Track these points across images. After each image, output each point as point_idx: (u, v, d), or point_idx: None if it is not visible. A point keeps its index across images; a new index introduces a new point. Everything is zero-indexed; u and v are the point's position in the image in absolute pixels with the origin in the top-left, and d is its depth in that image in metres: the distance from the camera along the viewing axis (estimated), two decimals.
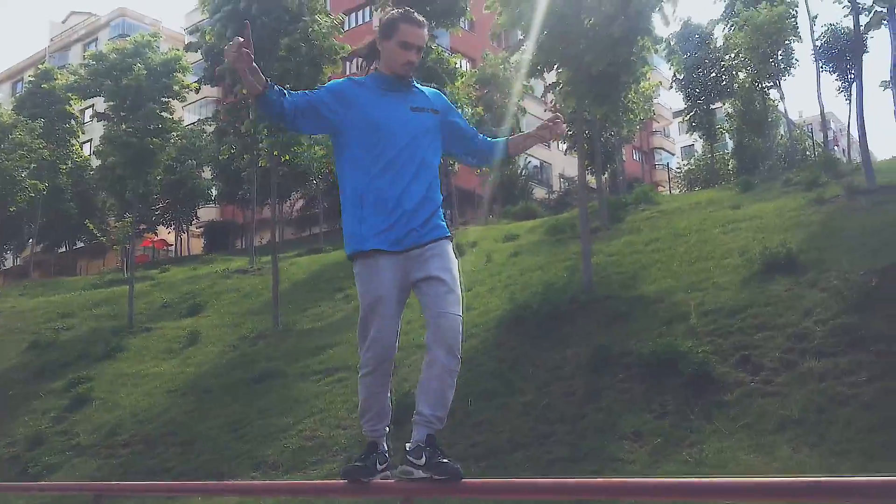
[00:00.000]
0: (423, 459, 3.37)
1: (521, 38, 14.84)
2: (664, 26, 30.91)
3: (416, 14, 3.56)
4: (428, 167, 3.54)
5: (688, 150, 73.12)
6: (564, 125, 3.71)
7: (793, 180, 19.85)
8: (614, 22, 13.50)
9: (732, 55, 31.59)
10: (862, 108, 15.78)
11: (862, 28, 13.37)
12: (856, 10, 15.66)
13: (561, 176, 55.71)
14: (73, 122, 33.96)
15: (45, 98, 33.48)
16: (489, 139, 3.84)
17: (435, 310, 3.42)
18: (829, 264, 12.02)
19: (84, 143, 44.55)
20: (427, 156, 3.55)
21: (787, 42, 27.30)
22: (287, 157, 19.30)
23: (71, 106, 33.70)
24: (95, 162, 40.95)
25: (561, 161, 56.76)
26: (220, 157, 30.00)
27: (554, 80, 16.34)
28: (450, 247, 3.59)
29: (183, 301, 22.34)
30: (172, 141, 22.47)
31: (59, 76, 34.12)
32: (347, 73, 25.51)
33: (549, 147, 55.87)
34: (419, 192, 3.48)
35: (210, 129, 47.99)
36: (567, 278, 15.49)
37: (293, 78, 17.92)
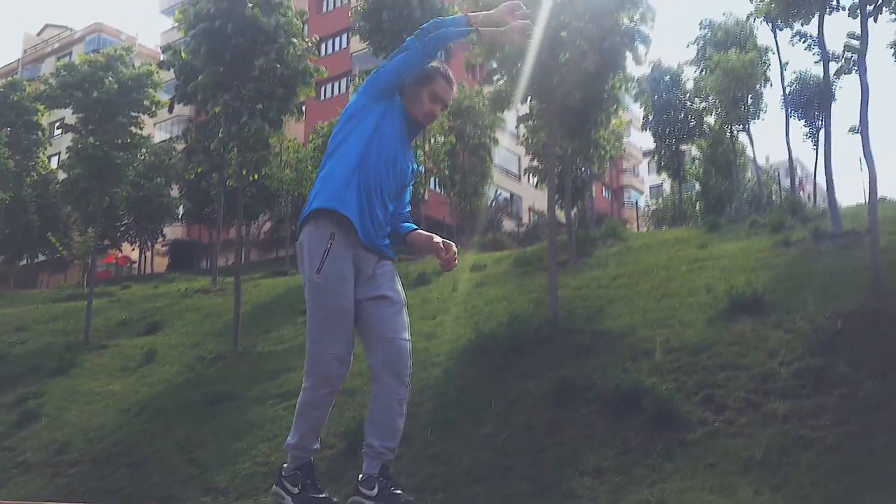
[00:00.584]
0: (376, 490, 3.43)
1: (495, 68, 14.84)
2: (636, 66, 31.32)
3: (450, 72, 3.63)
4: (392, 206, 3.61)
5: (656, 190, 74.11)
6: (455, 262, 3.71)
7: (759, 222, 20.03)
8: (587, 57, 13.55)
9: (701, 98, 32.03)
10: (829, 154, 15.93)
11: (832, 75, 13.54)
12: (825, 59, 15.87)
13: (530, 209, 56.02)
14: (39, 133, 33.46)
15: (13, 108, 32.95)
16: (405, 222, 3.81)
17: (384, 333, 3.39)
18: (794, 306, 12.03)
19: (52, 155, 43.92)
20: (396, 200, 3.64)
21: (756, 87, 27.77)
22: (255, 177, 19.07)
23: (39, 116, 33.22)
24: (62, 175, 40.52)
25: (531, 194, 57.03)
26: (187, 176, 29.59)
27: (525, 112, 16.40)
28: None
29: (141, 319, 21.88)
30: (140, 156, 22.09)
31: (28, 87, 33.63)
32: (322, 97, 25.35)
33: (518, 180, 56.33)
34: (385, 217, 3.53)
35: (180, 147, 47.72)
36: (532, 310, 15.41)
37: (266, 98, 17.78)
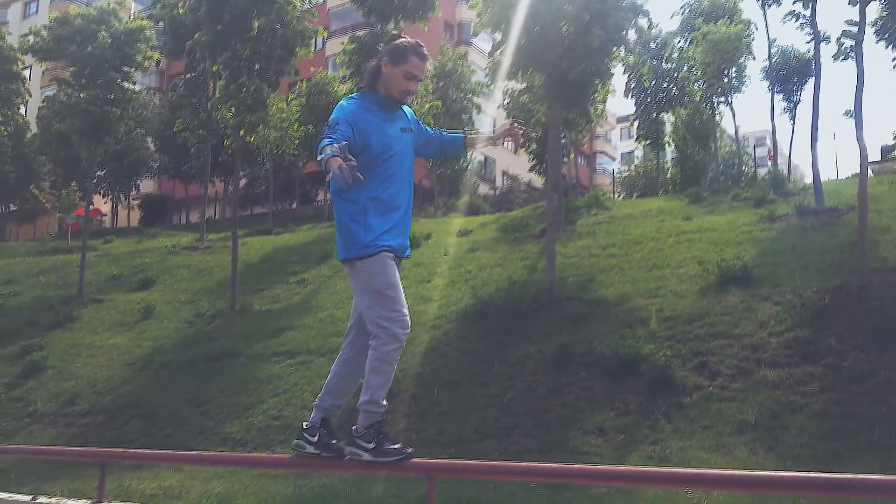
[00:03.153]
0: (316, 438, 3.79)
1: (499, 38, 15.12)
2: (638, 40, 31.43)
3: (424, 48, 3.87)
4: (411, 178, 3.96)
5: (626, 156, 74.75)
6: (521, 131, 4.15)
7: (742, 195, 20.63)
8: (592, 32, 13.91)
9: (686, 68, 32.45)
10: (816, 133, 16.51)
11: (832, 58, 14.03)
12: (817, 39, 16.39)
13: (504, 173, 56.33)
14: (19, 83, 32.94)
15: None
16: (449, 135, 4.27)
17: None
18: (781, 280, 12.67)
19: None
20: (411, 169, 3.97)
21: (741, 60, 28.22)
22: (251, 138, 19.24)
23: (17, 66, 32.68)
24: (34, 127, 39.94)
25: (506, 158, 57.37)
26: (176, 129, 29.44)
27: (522, 85, 16.69)
28: None
29: (133, 274, 22.06)
30: (130, 111, 22.05)
31: (4, 34, 33.02)
32: (318, 54, 25.11)
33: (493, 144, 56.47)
34: (408, 199, 3.91)
35: (156, 99, 47.18)
36: (526, 277, 15.93)
37: (264, 59, 17.91)
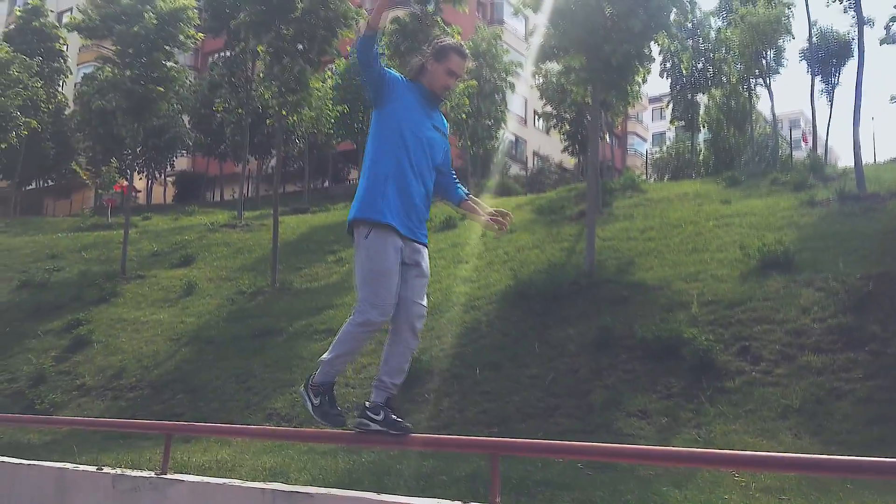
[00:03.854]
0: (381, 416, 4.01)
1: (538, 18, 15.13)
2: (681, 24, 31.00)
3: (464, 48, 4.22)
4: (431, 179, 4.16)
5: (658, 138, 74.26)
6: (506, 225, 4.37)
7: (780, 179, 20.53)
8: (634, 15, 13.89)
9: (724, 49, 32.16)
10: (858, 118, 16.41)
11: (878, 41, 13.92)
12: (861, 23, 16.24)
13: (535, 153, 56.23)
14: (61, 60, 33.46)
15: (35, 34, 32.70)
16: (457, 185, 4.42)
17: (412, 296, 4.05)
18: (823, 266, 12.66)
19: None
20: (432, 170, 4.16)
21: (780, 42, 27.98)
22: (294, 118, 19.45)
23: (60, 44, 33.16)
24: (71, 104, 40.34)
25: (536, 138, 57.28)
26: (216, 108, 29.76)
27: (557, 66, 16.64)
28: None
29: (173, 251, 22.45)
30: (176, 90, 22.35)
31: (46, 12, 33.43)
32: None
33: (524, 124, 56.33)
34: (425, 194, 4.11)
35: (192, 77, 47.54)
36: (564, 259, 16.03)
37: (307, 39, 18.05)
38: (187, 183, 50.75)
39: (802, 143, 63.75)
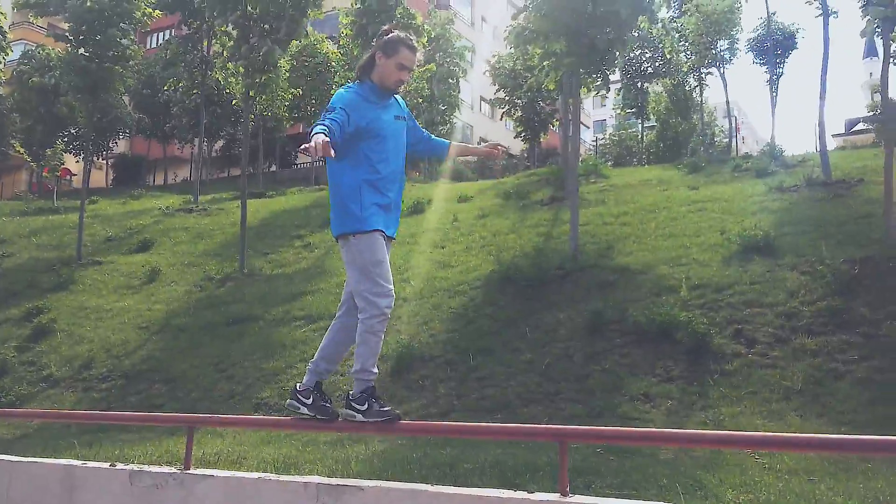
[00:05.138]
0: (311, 400, 4.25)
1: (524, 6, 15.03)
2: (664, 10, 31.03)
3: (413, 40, 4.28)
4: (403, 163, 4.32)
5: (598, 125, 75.23)
6: (504, 150, 4.73)
7: (742, 166, 20.91)
8: (621, 0, 13.89)
9: (677, 37, 32.61)
10: (823, 106, 16.78)
11: (863, 34, 14.21)
12: (826, 14, 16.58)
13: (481, 139, 56.29)
14: (1, 37, 31.91)
15: None
16: (436, 139, 4.70)
17: None
18: (802, 250, 12.92)
19: None
20: (403, 155, 4.33)
21: (733, 32, 28.45)
22: (262, 99, 18.95)
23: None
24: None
25: (484, 125, 57.36)
26: (165, 88, 28.86)
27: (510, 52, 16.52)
28: None
29: (128, 236, 21.76)
30: (133, 69, 21.57)
31: None
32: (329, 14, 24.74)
33: (472, 109, 56.36)
34: (400, 183, 4.29)
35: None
36: (542, 244, 16.03)
37: (273, 18, 17.60)
38: (127, 166, 49.29)
39: (736, 132, 65.50)
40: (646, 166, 28.64)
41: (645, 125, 40.23)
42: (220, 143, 45.98)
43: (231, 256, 18.78)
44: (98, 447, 9.96)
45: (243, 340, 13.87)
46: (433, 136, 4.69)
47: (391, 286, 4.11)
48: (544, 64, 14.89)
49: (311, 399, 4.25)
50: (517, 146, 52.86)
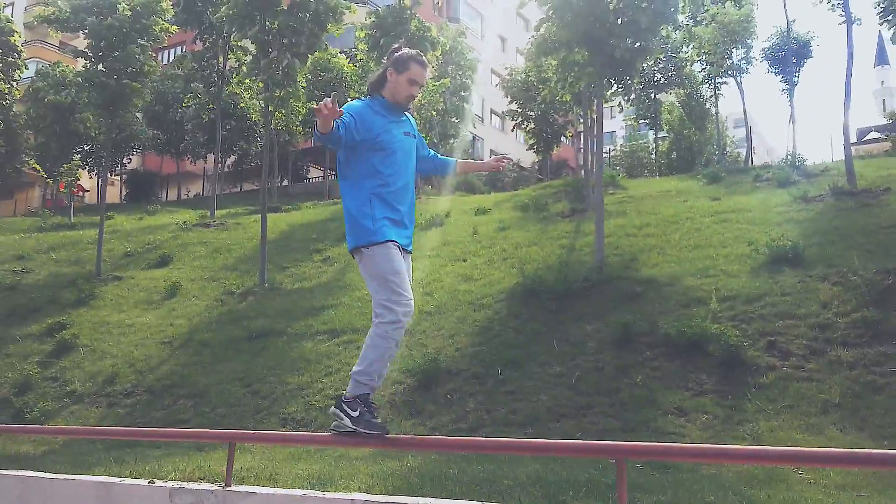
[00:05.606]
0: (357, 412, 4.14)
1: (545, 17, 14.96)
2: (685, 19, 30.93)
3: (424, 56, 4.37)
4: (412, 180, 4.40)
5: (608, 136, 75.08)
6: (511, 166, 4.62)
7: (763, 176, 20.76)
8: (642, 10, 13.81)
9: (690, 48, 32.51)
10: (848, 115, 16.62)
11: (891, 40, 14.10)
12: (849, 21, 16.45)
13: (492, 151, 56.33)
14: (16, 56, 32.14)
15: None
16: (442, 158, 4.80)
17: None
18: (834, 260, 12.75)
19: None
20: (412, 171, 4.42)
21: (749, 41, 28.36)
22: (281, 114, 18.92)
23: (15, 38, 31.89)
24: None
25: (494, 136, 57.39)
26: (184, 104, 28.95)
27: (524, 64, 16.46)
28: None
29: (147, 251, 21.73)
30: (149, 85, 21.63)
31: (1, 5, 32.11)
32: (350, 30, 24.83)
33: (482, 122, 56.40)
34: (411, 198, 4.34)
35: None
36: (565, 256, 15.91)
37: (293, 33, 17.59)
38: (139, 182, 49.48)
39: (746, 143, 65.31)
40: (662, 177, 28.46)
41: (657, 136, 40.08)
42: (232, 158, 46.12)
43: (250, 271, 18.71)
44: (130, 463, 9.84)
45: (267, 355, 13.77)
46: (439, 155, 4.81)
47: (410, 295, 4.11)
48: (567, 75, 14.74)
49: (358, 412, 4.16)
50: (528, 158, 52.92)
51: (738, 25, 26.99)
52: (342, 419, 4.14)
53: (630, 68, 14.88)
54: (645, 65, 15.79)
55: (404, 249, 4.24)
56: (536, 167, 52.47)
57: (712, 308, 11.99)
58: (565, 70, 14.61)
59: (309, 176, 49.08)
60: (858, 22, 16.57)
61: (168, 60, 49.32)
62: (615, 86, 15.59)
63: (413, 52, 4.35)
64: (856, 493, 6.97)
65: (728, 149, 45.91)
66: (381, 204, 4.16)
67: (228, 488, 5.40)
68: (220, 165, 43.18)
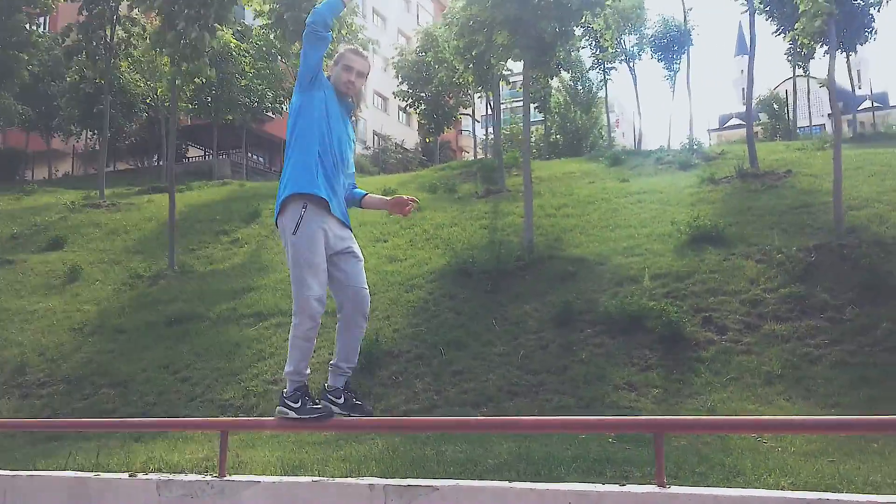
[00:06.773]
0: (342, 400, 4.40)
1: None
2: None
3: (360, 49, 4.55)
4: (348, 168, 4.53)
5: (488, 120, 75.96)
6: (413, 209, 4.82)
7: (664, 159, 21.50)
8: None
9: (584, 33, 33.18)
10: (751, 101, 17.39)
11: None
12: (752, 12, 17.19)
13: (375, 133, 55.95)
14: None
15: None
16: (354, 188, 4.78)
17: (354, 284, 4.39)
18: (753, 239, 13.37)
19: None
20: (349, 161, 4.53)
21: (643, 29, 29.21)
22: (191, 86, 18.03)
23: None
24: None
25: (378, 118, 56.93)
26: (69, 79, 27.14)
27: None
28: None
29: (35, 233, 20.34)
30: (35, 56, 20.08)
31: None
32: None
33: (364, 104, 55.86)
34: (343, 189, 4.46)
35: None
36: (489, 236, 15.98)
37: (201, 5, 16.76)
38: (2, 160, 46.16)
39: (616, 128, 67.69)
40: (564, 159, 29.01)
41: (537, 119, 40.90)
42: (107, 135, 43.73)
43: (155, 253, 17.85)
44: (63, 456, 9.18)
45: (190, 340, 13.17)
46: (352, 184, 4.75)
47: (324, 292, 4.23)
48: (489, 56, 14.74)
49: (342, 398, 4.40)
50: (411, 140, 53.09)
51: (632, 12, 27.78)
52: (287, 413, 4.32)
53: (554, 51, 15.01)
54: (571, 48, 15.83)
55: (337, 220, 4.30)
56: (419, 149, 52.64)
57: (646, 286, 12.33)
58: (487, 52, 14.56)
59: (188, 156, 47.21)
60: (759, 11, 17.30)
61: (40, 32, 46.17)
62: (541, 70, 15.62)
63: (351, 47, 4.53)
64: (827, 459, 7.30)
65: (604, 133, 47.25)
66: (325, 173, 4.24)
67: (225, 478, 5.08)
68: (94, 143, 41.05)
